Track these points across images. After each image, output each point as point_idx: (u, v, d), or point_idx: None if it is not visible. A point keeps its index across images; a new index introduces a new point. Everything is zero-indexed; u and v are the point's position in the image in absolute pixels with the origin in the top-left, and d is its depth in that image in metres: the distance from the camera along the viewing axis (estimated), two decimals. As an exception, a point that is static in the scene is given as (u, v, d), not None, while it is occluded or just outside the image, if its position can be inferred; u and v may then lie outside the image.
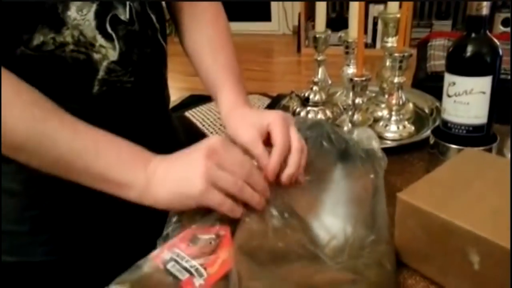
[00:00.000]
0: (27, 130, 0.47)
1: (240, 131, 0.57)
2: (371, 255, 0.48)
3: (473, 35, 0.66)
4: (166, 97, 0.74)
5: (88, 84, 0.57)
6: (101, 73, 0.58)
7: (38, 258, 0.63)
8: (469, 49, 0.66)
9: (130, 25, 0.59)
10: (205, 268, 0.45)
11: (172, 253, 0.46)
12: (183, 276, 0.44)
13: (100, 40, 0.56)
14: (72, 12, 0.53)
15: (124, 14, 0.58)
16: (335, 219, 0.50)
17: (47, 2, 0.51)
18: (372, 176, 0.59)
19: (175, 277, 0.44)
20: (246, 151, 0.54)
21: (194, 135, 0.74)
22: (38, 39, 0.52)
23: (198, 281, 0.44)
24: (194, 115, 2.14)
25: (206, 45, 0.70)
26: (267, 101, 2.22)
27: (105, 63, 0.58)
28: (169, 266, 0.45)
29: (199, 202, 0.47)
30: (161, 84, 0.70)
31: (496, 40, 0.66)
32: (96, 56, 0.57)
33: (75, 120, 0.49)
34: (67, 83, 0.56)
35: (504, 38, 1.96)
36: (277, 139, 0.53)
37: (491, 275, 0.47)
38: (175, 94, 3.01)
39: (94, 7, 0.55)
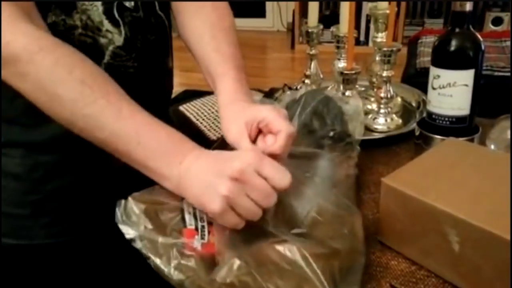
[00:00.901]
0: (74, 111, 0.48)
1: (231, 129, 0.56)
2: (341, 226, 0.51)
3: (457, 30, 0.69)
4: (168, 87, 0.75)
5: None
6: (106, 57, 0.60)
7: (38, 241, 0.64)
8: (453, 44, 0.69)
9: (135, 11, 0.61)
10: (209, 232, 0.48)
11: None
12: (190, 224, 0.48)
13: (107, 25, 0.59)
14: None
15: (129, 1, 0.60)
16: (314, 195, 0.52)
17: None
18: (350, 161, 0.62)
19: (183, 218, 0.48)
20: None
21: (188, 128, 0.76)
22: (50, 18, 0.55)
23: (197, 242, 0.47)
24: (188, 109, 2.15)
25: (207, 31, 0.66)
26: (260, 96, 2.23)
27: (110, 48, 0.60)
28: (184, 205, 0.49)
29: (216, 218, 0.48)
30: (163, 72, 0.71)
31: (479, 35, 0.69)
32: (103, 40, 0.59)
33: (121, 100, 0.50)
34: None
35: (493, 36, 2.00)
36: (280, 127, 0.52)
37: (470, 255, 0.50)
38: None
39: None
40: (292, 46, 3.87)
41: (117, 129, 0.49)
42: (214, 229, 0.49)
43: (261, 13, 4.40)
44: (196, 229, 0.48)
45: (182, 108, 2.22)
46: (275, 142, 0.52)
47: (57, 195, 0.64)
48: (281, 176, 0.47)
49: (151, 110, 0.66)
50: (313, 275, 0.44)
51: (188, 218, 0.49)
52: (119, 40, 0.60)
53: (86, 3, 0.56)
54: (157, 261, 0.45)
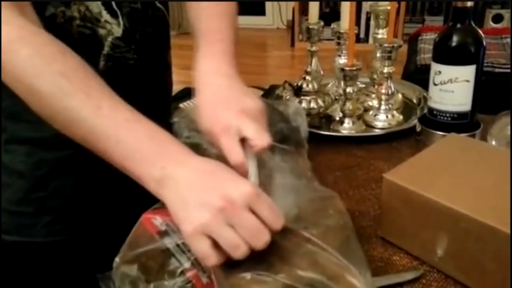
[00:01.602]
0: (53, 104, 0.46)
1: (209, 117, 0.52)
2: (325, 209, 0.50)
3: (458, 25, 0.69)
4: (168, 82, 0.75)
5: (95, 59, 0.59)
6: (106, 49, 0.60)
7: (40, 239, 0.64)
8: (454, 39, 0.69)
9: (133, 3, 0.61)
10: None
11: (166, 225, 0.47)
12: (187, 263, 0.46)
13: (106, 16, 0.58)
14: None
15: None
16: (287, 195, 0.51)
17: None
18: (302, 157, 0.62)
19: (176, 258, 0.46)
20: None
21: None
22: (49, 11, 0.54)
23: (203, 278, 0.46)
24: (188, 107, 2.15)
25: (206, 9, 0.63)
26: (260, 93, 2.23)
27: (109, 39, 0.59)
28: (167, 242, 0.46)
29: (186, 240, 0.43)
30: (162, 65, 0.72)
31: (480, 31, 0.69)
32: (101, 31, 0.59)
33: (103, 94, 0.47)
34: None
35: (493, 33, 2.00)
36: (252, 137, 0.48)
37: (471, 250, 0.50)
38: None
39: None
40: (292, 43, 3.87)
41: (96, 125, 0.46)
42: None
43: (261, 11, 4.40)
44: (193, 264, 0.46)
45: (182, 105, 2.23)
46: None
47: (61, 193, 0.64)
48: (276, 217, 0.42)
49: (153, 105, 0.65)
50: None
51: (177, 253, 0.46)
52: (118, 31, 0.60)
53: None
54: None
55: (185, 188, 0.43)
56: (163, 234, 0.47)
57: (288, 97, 0.99)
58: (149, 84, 0.69)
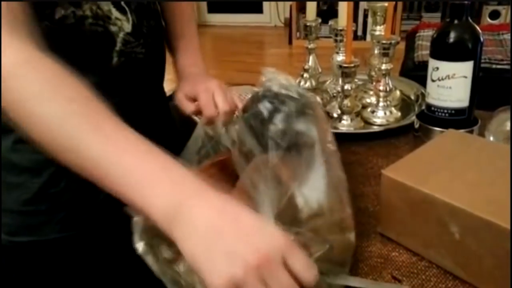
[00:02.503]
0: (58, 131, 0.44)
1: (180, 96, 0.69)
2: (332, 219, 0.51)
3: (456, 22, 0.69)
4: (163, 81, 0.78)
5: (108, 55, 0.60)
6: (118, 45, 0.61)
7: (53, 236, 0.64)
8: (452, 35, 0.69)
9: None
10: None
11: None
12: None
13: (115, 13, 0.60)
14: None
15: None
16: (311, 189, 0.51)
17: None
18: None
19: None
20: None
21: (188, 124, 0.77)
22: (59, 13, 0.55)
23: None
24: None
25: (179, 15, 0.79)
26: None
27: (121, 35, 0.61)
28: None
29: None
30: (164, 58, 0.75)
31: (477, 27, 0.69)
32: (113, 28, 0.60)
33: (111, 121, 0.45)
34: (89, 56, 0.59)
35: (490, 29, 2.00)
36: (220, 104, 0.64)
37: (470, 246, 0.50)
38: (166, 85, 3.01)
39: None
40: (290, 41, 3.87)
41: (102, 154, 0.43)
42: None
43: (258, 9, 4.39)
44: None
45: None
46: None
47: (72, 188, 0.63)
48: (309, 270, 0.39)
49: (159, 98, 0.67)
50: None
51: None
52: (127, 27, 0.62)
53: None
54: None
55: (207, 235, 0.38)
56: None
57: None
58: (156, 78, 0.73)
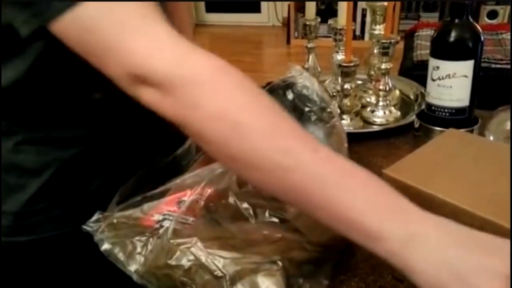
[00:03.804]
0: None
1: None
2: None
3: (456, 21, 0.69)
4: None
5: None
6: None
7: (51, 233, 0.64)
8: (452, 34, 0.69)
9: None
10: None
11: (162, 215, 0.50)
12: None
13: None
14: None
15: None
16: None
17: None
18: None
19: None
20: None
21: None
22: None
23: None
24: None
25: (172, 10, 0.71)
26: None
27: None
28: (165, 223, 0.49)
29: None
30: None
31: (478, 26, 0.69)
32: None
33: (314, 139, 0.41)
34: (95, 72, 0.57)
35: (489, 29, 2.00)
36: None
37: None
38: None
39: None
40: (288, 41, 3.87)
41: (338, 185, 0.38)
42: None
43: (256, 8, 4.39)
44: None
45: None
46: None
47: (71, 187, 0.64)
48: None
49: None
50: None
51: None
52: None
53: None
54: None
55: (444, 248, 0.36)
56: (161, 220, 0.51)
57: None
58: None
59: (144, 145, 0.68)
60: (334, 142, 0.59)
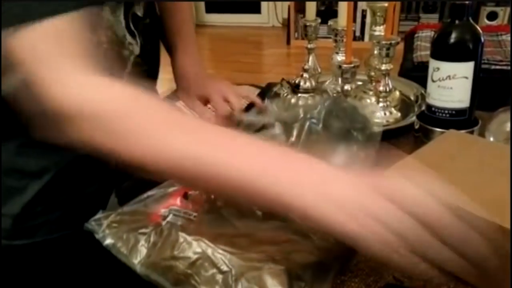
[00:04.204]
0: (182, 154, 0.42)
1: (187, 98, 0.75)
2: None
3: (456, 22, 0.69)
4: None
5: (119, 78, 0.59)
6: (128, 67, 0.62)
7: (50, 236, 0.64)
8: (453, 36, 0.68)
9: (144, 19, 0.63)
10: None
11: (169, 210, 0.51)
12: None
13: (128, 38, 0.60)
14: (106, 14, 0.55)
15: (140, 11, 0.62)
16: None
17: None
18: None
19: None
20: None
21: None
22: None
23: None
24: (184, 106, 2.15)
25: (179, 15, 0.80)
26: (257, 91, 2.24)
27: (132, 58, 0.62)
28: (169, 218, 0.51)
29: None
30: (159, 61, 0.76)
31: (478, 27, 0.69)
32: (125, 52, 0.61)
33: (201, 124, 0.45)
34: None
35: (489, 30, 2.00)
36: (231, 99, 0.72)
37: (470, 247, 0.49)
38: (165, 85, 3.00)
39: (122, 7, 0.57)
40: (288, 41, 3.87)
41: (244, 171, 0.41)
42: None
43: (257, 9, 4.39)
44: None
45: (179, 104, 2.22)
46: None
47: (69, 190, 0.64)
48: None
49: None
50: None
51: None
52: (137, 49, 0.63)
53: (111, 19, 0.57)
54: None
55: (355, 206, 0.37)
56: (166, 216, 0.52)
57: (286, 94, 0.98)
58: (151, 80, 0.74)
59: None
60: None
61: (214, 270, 0.46)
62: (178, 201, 0.53)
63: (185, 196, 0.53)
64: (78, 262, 0.67)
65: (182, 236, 0.48)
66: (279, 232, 0.50)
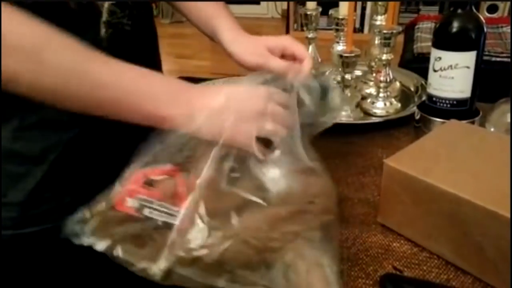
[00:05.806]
0: (67, 72, 0.48)
1: (248, 59, 0.67)
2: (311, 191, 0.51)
3: (459, 11, 0.68)
4: (158, 54, 0.77)
5: (96, 27, 0.60)
6: (104, 15, 0.60)
7: (60, 223, 0.63)
8: (455, 25, 0.68)
9: None
10: None
11: (138, 200, 0.47)
12: (174, 220, 0.45)
13: None
14: None
15: None
16: (279, 169, 0.52)
17: None
18: None
19: (165, 222, 0.46)
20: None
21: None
22: None
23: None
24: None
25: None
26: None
27: (106, 5, 0.60)
28: (146, 212, 0.47)
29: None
30: (153, 33, 0.74)
31: (481, 17, 0.68)
32: None
33: (107, 57, 0.51)
34: (77, 29, 0.57)
35: (489, 22, 1.99)
36: (304, 53, 0.66)
37: (472, 236, 0.49)
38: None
39: None
40: (287, 32, 3.85)
41: (121, 84, 0.50)
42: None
43: (256, 0, 4.36)
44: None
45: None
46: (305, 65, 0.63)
47: (75, 172, 0.62)
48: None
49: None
50: None
51: (159, 217, 0.47)
52: None
53: None
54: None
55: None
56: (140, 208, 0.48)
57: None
58: (145, 53, 0.71)
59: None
60: None
61: (251, 251, 0.44)
62: (139, 186, 0.49)
63: (146, 181, 0.49)
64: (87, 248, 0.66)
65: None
66: (281, 210, 0.48)
